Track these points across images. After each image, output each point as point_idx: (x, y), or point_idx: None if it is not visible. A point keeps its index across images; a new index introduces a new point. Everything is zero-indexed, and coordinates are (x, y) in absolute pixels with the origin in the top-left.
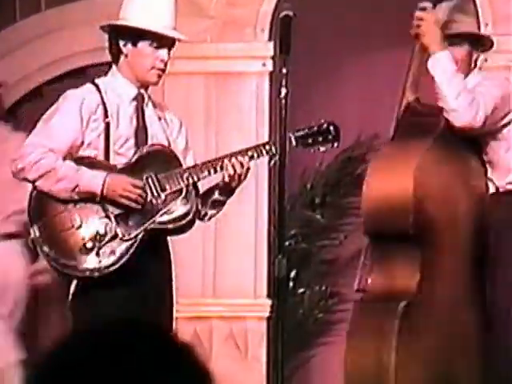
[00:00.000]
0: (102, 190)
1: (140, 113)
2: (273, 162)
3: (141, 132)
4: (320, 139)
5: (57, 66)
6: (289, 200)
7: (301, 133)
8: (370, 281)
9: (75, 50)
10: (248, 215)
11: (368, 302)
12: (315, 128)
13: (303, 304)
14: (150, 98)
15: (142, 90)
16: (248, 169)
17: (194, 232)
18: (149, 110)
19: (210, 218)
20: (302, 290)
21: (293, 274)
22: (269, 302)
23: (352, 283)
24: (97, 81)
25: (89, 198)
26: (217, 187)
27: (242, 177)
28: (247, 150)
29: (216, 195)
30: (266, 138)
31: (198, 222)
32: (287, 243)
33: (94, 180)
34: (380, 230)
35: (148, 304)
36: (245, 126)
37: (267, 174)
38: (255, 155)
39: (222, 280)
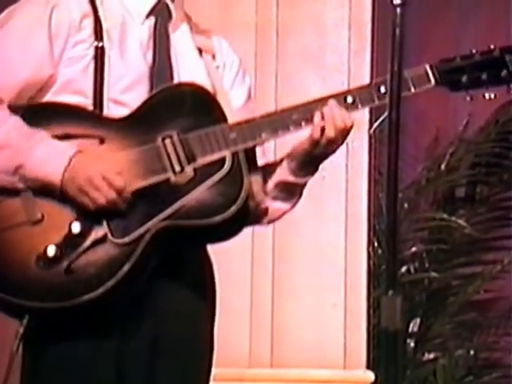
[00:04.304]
0: (62, 181)
1: (161, 38)
2: (378, 123)
3: (161, 70)
4: (484, 77)
5: None
6: (405, 193)
7: (448, 65)
8: None
9: None
10: (331, 222)
11: None
12: (477, 57)
13: (434, 380)
14: (184, 15)
15: (168, 0)
16: (350, 127)
17: (238, 252)
18: (180, 36)
19: (272, 220)
20: (431, 356)
21: (414, 325)
22: (371, 375)
23: None
24: None
25: (41, 190)
26: (289, 157)
27: (336, 142)
28: (345, 93)
29: (285, 172)
30: (365, 79)
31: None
32: (403, 270)
33: (53, 159)
34: None
35: (155, 370)
36: (327, 56)
37: (366, 150)
38: (358, 103)
39: (284, 340)
